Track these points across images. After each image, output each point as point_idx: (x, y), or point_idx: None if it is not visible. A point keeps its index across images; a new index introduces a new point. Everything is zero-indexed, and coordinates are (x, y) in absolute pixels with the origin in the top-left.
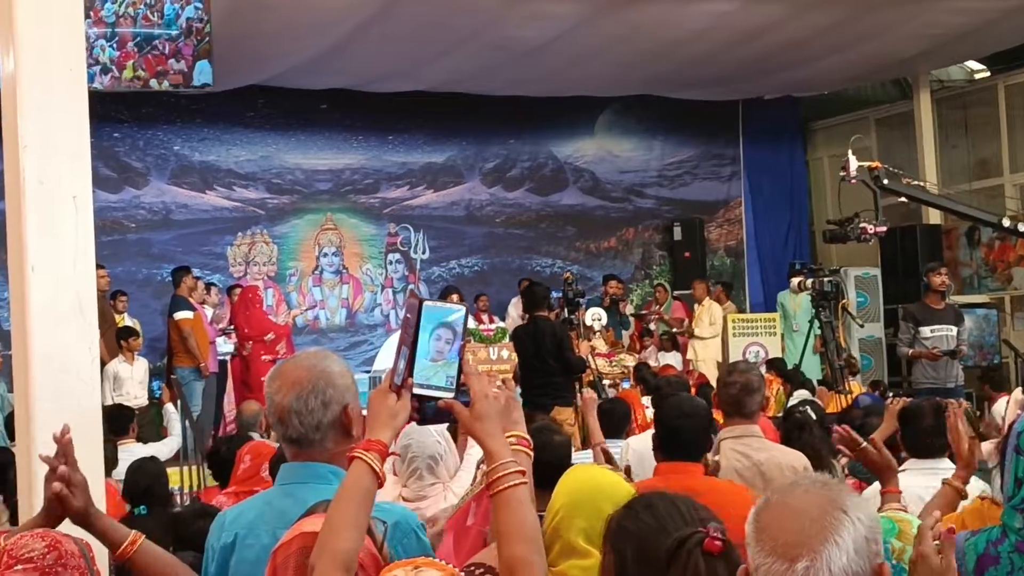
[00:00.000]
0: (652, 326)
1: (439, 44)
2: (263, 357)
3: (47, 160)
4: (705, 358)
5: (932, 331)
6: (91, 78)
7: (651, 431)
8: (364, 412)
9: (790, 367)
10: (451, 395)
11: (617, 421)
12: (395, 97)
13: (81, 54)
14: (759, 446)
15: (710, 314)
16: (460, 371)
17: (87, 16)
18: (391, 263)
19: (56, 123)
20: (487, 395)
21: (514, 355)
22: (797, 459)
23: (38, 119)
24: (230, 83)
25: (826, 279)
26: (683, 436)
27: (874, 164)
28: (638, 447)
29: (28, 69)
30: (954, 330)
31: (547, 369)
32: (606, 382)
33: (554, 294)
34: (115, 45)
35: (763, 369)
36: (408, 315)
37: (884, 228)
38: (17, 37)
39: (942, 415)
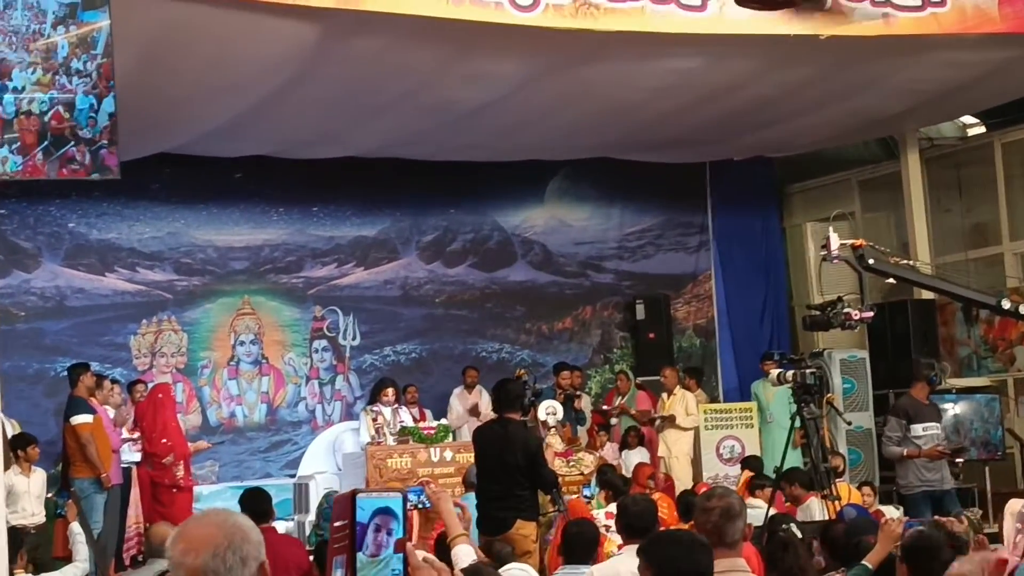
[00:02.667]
0: (614, 421)
1: (368, 107)
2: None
3: None
4: (678, 454)
5: (924, 429)
6: None
7: (621, 556)
8: None
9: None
10: None
11: (585, 546)
12: (320, 164)
13: None
14: None
15: (685, 403)
16: (406, 564)
17: None
18: (317, 351)
19: None
20: None
21: (460, 456)
22: None
23: None
24: (132, 152)
25: (808, 371)
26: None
27: (858, 242)
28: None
29: None
30: (939, 427)
31: (511, 480)
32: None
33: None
34: (15, 151)
35: (738, 467)
36: (336, 520)
37: (871, 313)
38: None
39: (957, 542)
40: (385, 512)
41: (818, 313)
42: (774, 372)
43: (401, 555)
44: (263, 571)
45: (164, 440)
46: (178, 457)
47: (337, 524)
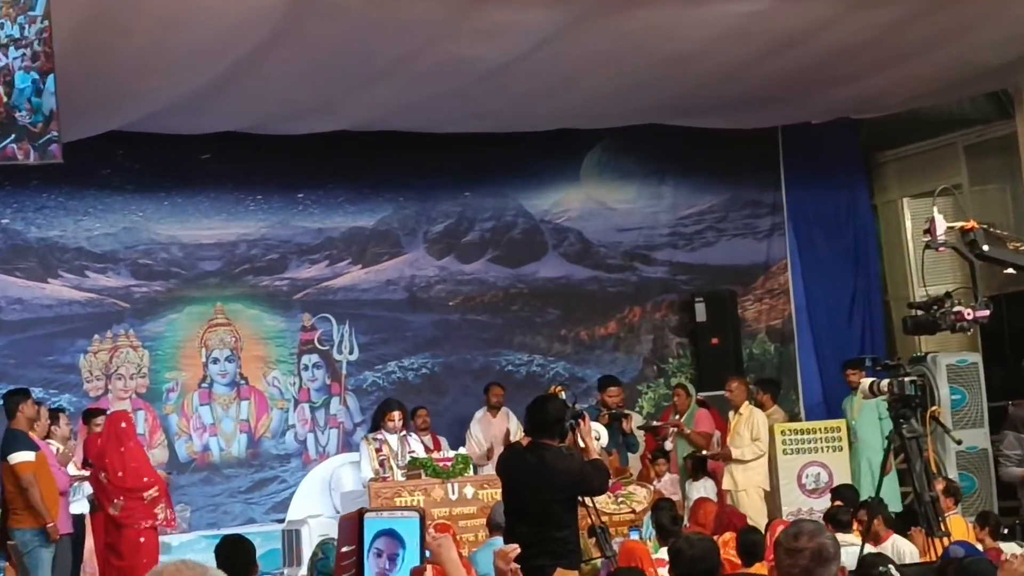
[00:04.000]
0: (669, 444)
1: (362, 70)
2: (142, 524)
3: None
4: (747, 487)
5: None
6: None
7: None
8: None
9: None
10: None
11: None
12: (305, 141)
13: None
14: None
15: (751, 426)
16: None
17: None
18: (307, 368)
19: None
20: None
21: (484, 493)
22: None
23: None
24: (77, 131)
25: (907, 379)
26: None
27: (968, 224)
28: None
29: None
30: None
31: (548, 520)
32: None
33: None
34: None
35: (827, 499)
36: (343, 545)
37: (987, 312)
38: None
39: None
40: (389, 535)
41: (922, 313)
42: (866, 382)
43: None
44: None
45: (144, 478)
46: (162, 491)
47: (344, 550)
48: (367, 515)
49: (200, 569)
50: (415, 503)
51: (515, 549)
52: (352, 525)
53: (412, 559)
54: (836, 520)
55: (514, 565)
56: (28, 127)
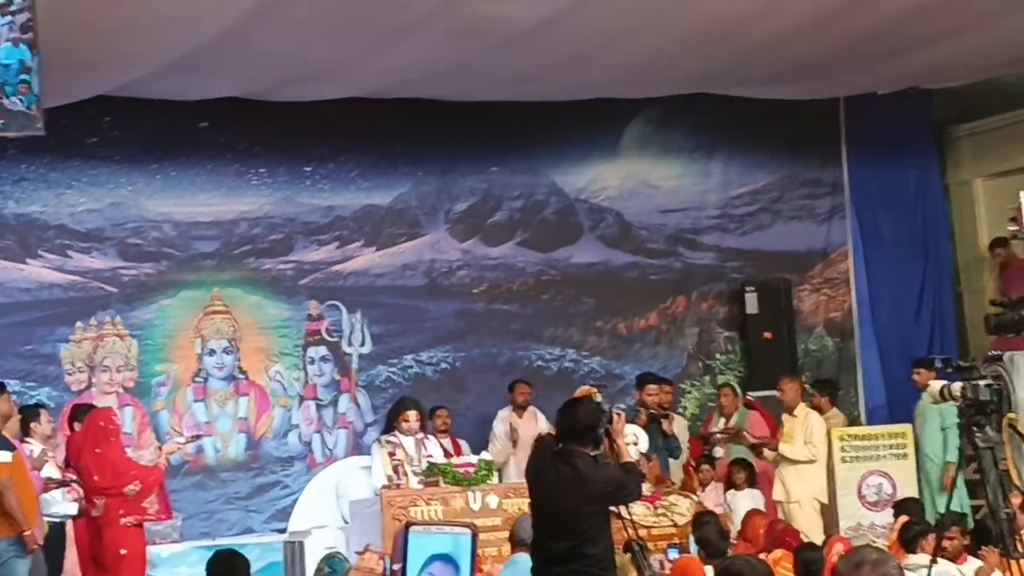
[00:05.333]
0: (720, 451)
1: (381, 28)
2: (123, 521)
3: None
4: (801, 498)
5: None
6: None
7: None
8: None
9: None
10: None
11: None
12: (313, 109)
13: None
14: None
15: (806, 429)
16: None
17: None
18: (313, 362)
19: None
20: None
21: (509, 503)
22: None
23: None
24: (60, 96)
25: (983, 383)
26: None
27: None
28: None
29: None
30: None
31: (579, 535)
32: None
33: None
34: None
35: (890, 513)
36: (395, 563)
37: None
38: None
39: None
40: (443, 559)
41: (1006, 311)
42: (936, 385)
43: None
44: None
45: (122, 483)
46: (147, 486)
47: (395, 568)
48: (413, 529)
49: None
50: (432, 513)
51: None
52: (399, 542)
53: None
54: (907, 539)
55: None
56: (15, 113)
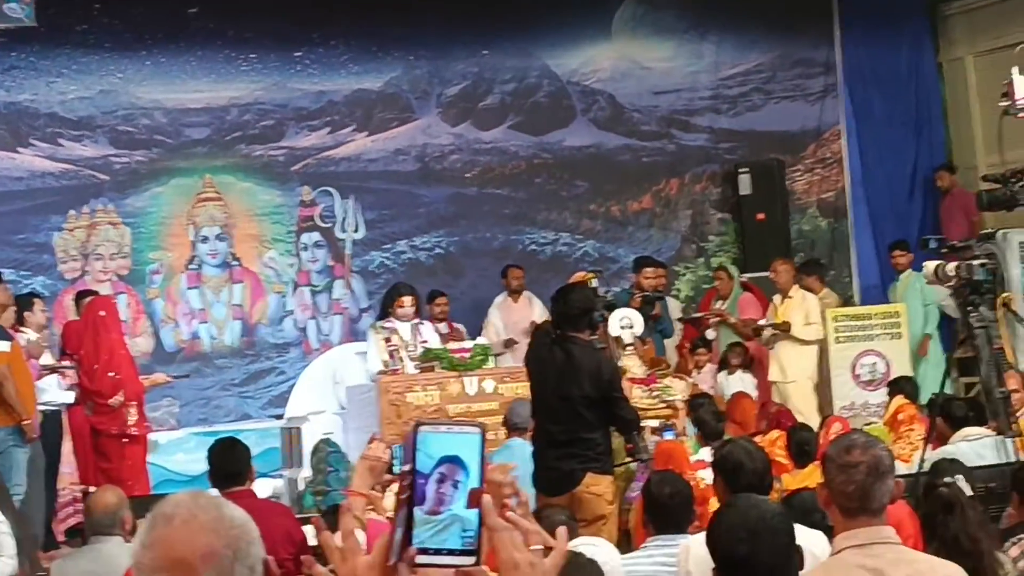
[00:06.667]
0: (712, 333)
1: None
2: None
3: None
4: (797, 376)
5: None
6: None
7: None
8: None
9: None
10: (472, 560)
11: (677, 509)
12: None
13: None
14: (895, 557)
15: (806, 310)
16: (480, 523)
17: None
18: (306, 248)
19: None
20: (519, 564)
21: (505, 387)
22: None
23: None
24: None
25: (976, 263)
26: (755, 566)
27: None
28: (703, 552)
29: None
30: None
31: (578, 419)
32: (648, 423)
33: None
34: None
35: (885, 391)
36: (405, 464)
37: None
38: None
39: None
40: (452, 461)
41: (999, 186)
42: (930, 266)
43: (476, 512)
44: (269, 572)
45: (111, 373)
46: (129, 396)
47: (405, 469)
48: (422, 429)
49: (216, 510)
50: (429, 399)
51: (514, 466)
52: (409, 441)
53: (475, 479)
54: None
55: (512, 477)
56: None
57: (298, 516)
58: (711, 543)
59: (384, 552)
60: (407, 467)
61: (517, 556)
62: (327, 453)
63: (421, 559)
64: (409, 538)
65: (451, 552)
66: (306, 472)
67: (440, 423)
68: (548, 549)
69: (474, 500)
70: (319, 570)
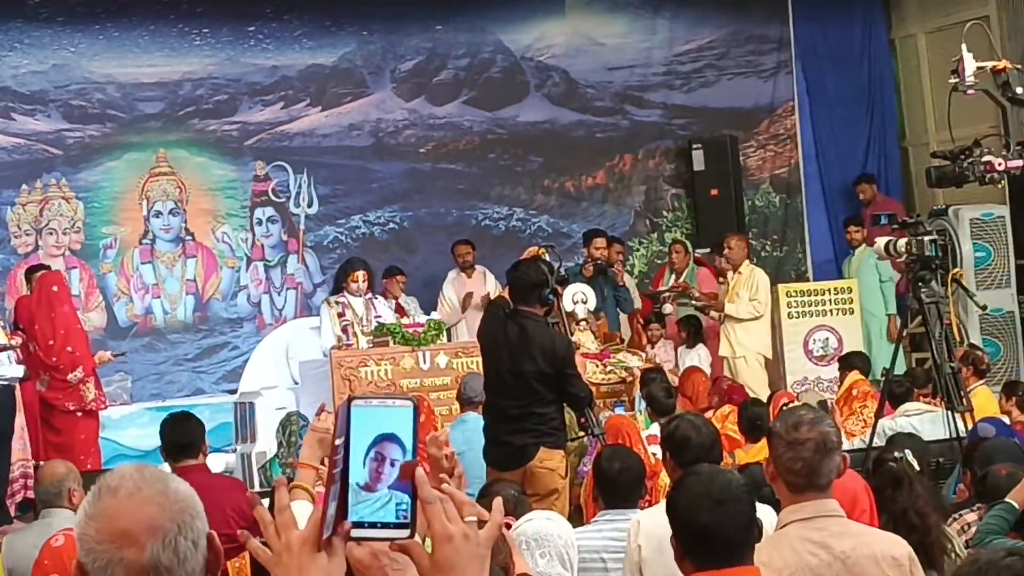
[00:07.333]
0: (668, 307)
1: None
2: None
3: None
4: (747, 352)
5: None
6: None
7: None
8: None
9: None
10: (407, 533)
11: (626, 489)
12: None
13: None
14: (840, 530)
15: (751, 285)
16: (415, 496)
17: None
18: (260, 223)
19: None
20: (452, 535)
21: (458, 362)
22: (897, 547)
23: None
24: None
25: (927, 238)
26: (717, 536)
27: (1000, 64)
28: (652, 527)
29: None
30: None
31: (531, 394)
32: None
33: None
34: None
35: (836, 367)
36: (337, 437)
37: (1020, 162)
38: None
39: None
40: (387, 438)
41: (948, 163)
42: (881, 241)
43: (408, 485)
44: (213, 546)
45: (68, 348)
46: (87, 372)
47: (337, 443)
48: (355, 403)
49: (160, 483)
50: (382, 373)
51: (445, 432)
52: (342, 415)
53: (408, 453)
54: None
55: (449, 451)
56: None
57: (261, 491)
58: (671, 512)
59: (317, 526)
60: (339, 441)
61: (451, 528)
62: (300, 426)
63: (356, 532)
64: (345, 512)
65: (385, 525)
66: (259, 447)
67: (372, 397)
68: (483, 522)
69: (407, 473)
70: (253, 544)
